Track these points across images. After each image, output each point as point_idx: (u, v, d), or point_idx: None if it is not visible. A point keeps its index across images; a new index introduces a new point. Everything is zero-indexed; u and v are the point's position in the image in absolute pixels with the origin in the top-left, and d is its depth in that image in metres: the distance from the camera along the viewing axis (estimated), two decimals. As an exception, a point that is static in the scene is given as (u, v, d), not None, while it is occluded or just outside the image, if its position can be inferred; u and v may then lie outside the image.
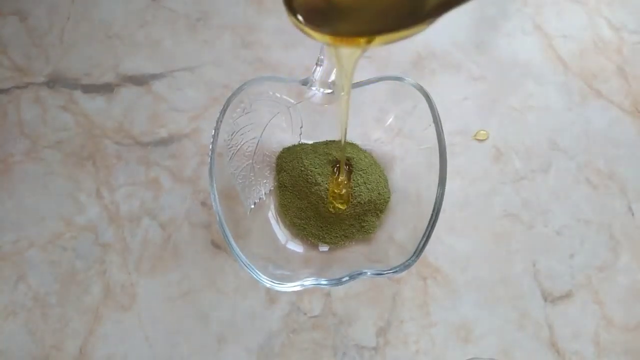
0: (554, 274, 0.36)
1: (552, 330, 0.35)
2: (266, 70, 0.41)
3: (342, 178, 0.34)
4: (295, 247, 0.35)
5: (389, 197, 0.35)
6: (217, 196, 0.29)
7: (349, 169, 0.35)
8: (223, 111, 0.31)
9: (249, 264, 0.29)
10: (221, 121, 0.31)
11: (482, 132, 0.39)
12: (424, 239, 0.29)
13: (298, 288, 0.29)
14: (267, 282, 0.29)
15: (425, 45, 0.41)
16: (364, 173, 0.35)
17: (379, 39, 0.18)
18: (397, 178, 0.36)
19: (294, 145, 0.37)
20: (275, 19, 0.42)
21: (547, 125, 0.39)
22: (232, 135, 0.32)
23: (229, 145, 0.32)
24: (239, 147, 0.34)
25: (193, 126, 0.39)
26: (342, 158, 0.34)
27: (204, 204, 0.37)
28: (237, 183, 0.33)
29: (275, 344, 0.34)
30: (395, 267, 0.30)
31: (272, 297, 0.35)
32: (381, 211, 0.35)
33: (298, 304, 0.35)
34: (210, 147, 0.30)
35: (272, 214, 0.36)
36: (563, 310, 0.36)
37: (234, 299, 0.35)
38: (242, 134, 0.33)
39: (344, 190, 0.34)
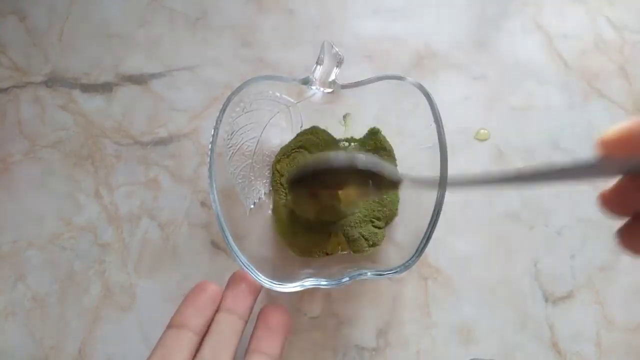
0: (555, 274, 0.36)
1: (553, 330, 0.35)
2: (266, 69, 0.40)
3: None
4: (295, 247, 0.35)
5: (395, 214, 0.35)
6: (216, 196, 0.29)
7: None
8: (223, 111, 0.30)
9: (248, 265, 0.29)
10: (221, 121, 0.30)
11: (483, 131, 0.39)
12: (425, 239, 0.29)
13: (298, 288, 0.29)
14: (267, 283, 0.29)
15: (426, 45, 0.41)
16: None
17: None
18: (398, 178, 0.36)
19: (294, 145, 0.37)
20: (275, 19, 0.42)
21: (548, 124, 0.39)
22: (231, 134, 0.32)
23: (228, 145, 0.32)
24: (238, 146, 0.33)
25: (193, 126, 0.39)
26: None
27: (203, 204, 0.37)
28: (237, 183, 0.33)
29: (275, 344, 0.34)
30: (395, 268, 0.29)
31: (272, 297, 0.35)
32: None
33: (298, 305, 0.35)
34: (210, 146, 0.30)
35: (272, 214, 0.36)
36: (564, 310, 0.35)
37: (234, 300, 0.35)
38: (242, 134, 0.33)
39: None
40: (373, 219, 0.34)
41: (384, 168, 0.26)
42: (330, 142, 0.36)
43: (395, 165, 0.35)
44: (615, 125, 0.17)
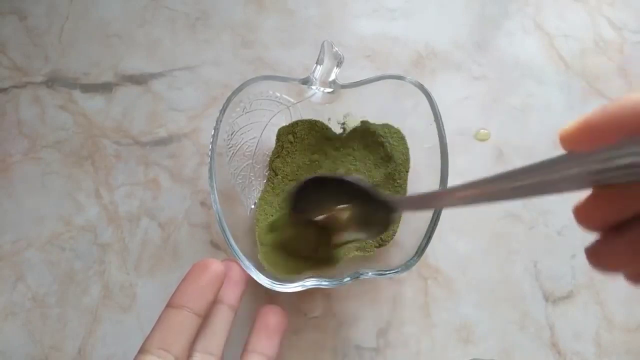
0: (555, 274, 0.36)
1: (553, 330, 0.35)
2: (266, 69, 0.40)
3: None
4: (296, 247, 0.35)
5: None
6: (217, 196, 0.29)
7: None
8: (223, 111, 0.31)
9: (249, 264, 0.29)
10: (221, 121, 0.30)
11: (483, 131, 0.39)
12: (425, 239, 0.29)
13: (299, 288, 0.29)
14: (267, 283, 0.29)
15: (426, 45, 0.41)
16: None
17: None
18: (398, 178, 0.36)
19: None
20: (275, 18, 0.42)
21: (549, 124, 0.39)
22: (232, 135, 0.32)
23: (228, 145, 0.32)
24: (238, 146, 0.33)
25: (192, 126, 0.39)
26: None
27: (203, 204, 0.37)
28: (237, 183, 0.33)
29: (275, 344, 0.34)
30: (396, 268, 0.29)
31: (272, 297, 0.35)
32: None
33: (298, 305, 0.35)
34: (210, 146, 0.30)
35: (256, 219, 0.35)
36: (564, 310, 0.35)
37: (234, 300, 0.35)
38: (242, 134, 0.33)
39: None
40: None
41: (378, 191, 0.25)
42: (320, 128, 0.35)
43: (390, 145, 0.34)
44: (575, 118, 0.16)
